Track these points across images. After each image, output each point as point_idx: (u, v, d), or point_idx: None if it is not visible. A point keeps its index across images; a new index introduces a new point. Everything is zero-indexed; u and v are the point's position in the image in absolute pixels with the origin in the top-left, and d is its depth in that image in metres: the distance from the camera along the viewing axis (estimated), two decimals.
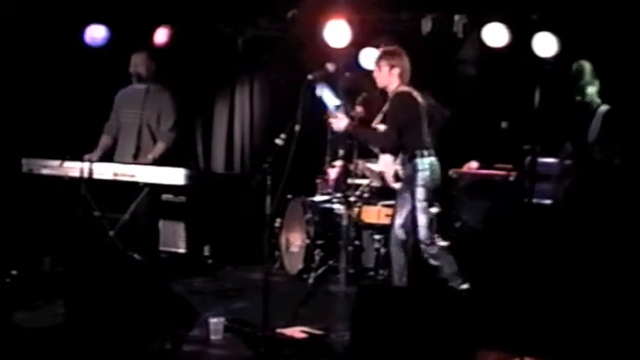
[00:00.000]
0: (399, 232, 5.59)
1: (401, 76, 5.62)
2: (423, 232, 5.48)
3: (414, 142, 5.53)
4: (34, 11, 6.95)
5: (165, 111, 6.60)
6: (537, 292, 5.43)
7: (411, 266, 5.63)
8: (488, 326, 4.91)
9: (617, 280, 5.41)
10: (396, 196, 5.75)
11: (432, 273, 5.54)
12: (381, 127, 5.68)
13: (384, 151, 5.70)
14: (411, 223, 5.58)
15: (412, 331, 4.00)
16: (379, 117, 5.69)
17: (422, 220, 5.48)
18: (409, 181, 5.53)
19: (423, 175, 5.47)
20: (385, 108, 5.66)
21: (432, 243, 5.51)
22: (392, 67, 5.60)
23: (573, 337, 4.96)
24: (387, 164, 5.71)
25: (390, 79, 5.62)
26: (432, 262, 5.50)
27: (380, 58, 5.66)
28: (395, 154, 5.60)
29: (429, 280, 5.72)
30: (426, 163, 5.49)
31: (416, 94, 5.61)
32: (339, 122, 5.69)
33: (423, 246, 5.50)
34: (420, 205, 5.47)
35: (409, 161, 5.52)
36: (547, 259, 5.66)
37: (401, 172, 5.61)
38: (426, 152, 5.51)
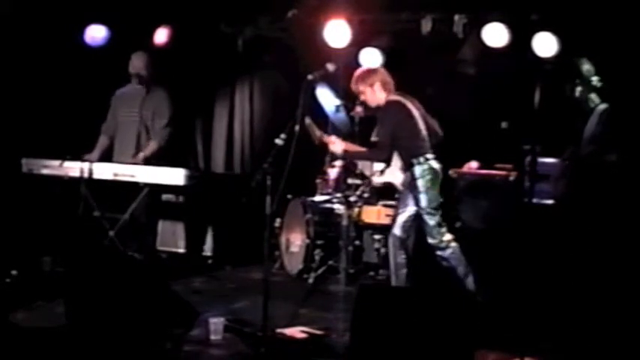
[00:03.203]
0: (397, 230, 5.64)
1: (384, 87, 5.68)
2: (432, 236, 5.52)
3: (408, 149, 5.58)
4: (33, 11, 6.94)
5: (159, 109, 6.60)
6: (538, 292, 5.44)
7: (411, 266, 5.64)
8: (488, 326, 4.92)
9: (616, 279, 5.40)
10: (399, 197, 5.82)
11: (444, 274, 5.53)
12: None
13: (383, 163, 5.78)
14: (413, 226, 5.63)
15: (412, 331, 4.00)
16: (375, 130, 5.76)
17: (430, 224, 5.51)
18: (411, 188, 5.58)
19: (422, 182, 5.51)
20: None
21: (446, 246, 5.52)
22: (371, 85, 5.67)
23: (574, 337, 4.97)
24: (392, 174, 5.79)
25: (376, 96, 5.68)
26: (446, 264, 5.52)
27: (356, 83, 5.71)
28: (389, 164, 5.67)
29: (430, 280, 5.73)
30: (425, 169, 5.52)
31: (405, 101, 5.64)
32: (336, 146, 5.80)
33: (436, 251, 5.53)
34: (425, 211, 5.51)
35: (407, 169, 5.60)
36: (547, 259, 5.66)
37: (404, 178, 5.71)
38: (422, 159, 5.53)
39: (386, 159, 5.67)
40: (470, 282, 5.50)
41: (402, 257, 5.62)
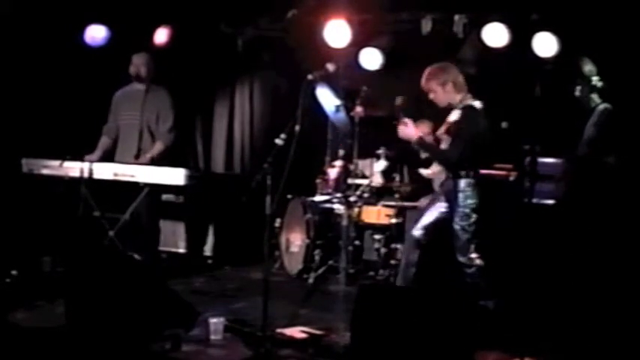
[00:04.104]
0: (418, 232, 5.48)
1: (456, 87, 5.42)
2: (462, 253, 5.34)
3: (465, 159, 5.35)
4: (33, 11, 6.95)
5: (163, 111, 6.60)
6: (538, 292, 5.44)
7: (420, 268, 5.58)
8: (488, 326, 4.94)
9: (616, 279, 5.41)
10: (431, 197, 5.63)
11: (469, 290, 5.44)
12: (444, 137, 5.44)
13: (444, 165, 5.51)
14: (434, 231, 5.49)
15: (412, 331, 4.00)
16: (443, 127, 5.46)
17: (462, 239, 5.33)
18: (449, 197, 5.39)
19: (463, 196, 5.30)
20: (452, 119, 5.42)
21: (472, 264, 5.33)
22: (443, 84, 5.41)
23: (574, 337, 4.97)
24: (436, 173, 5.61)
25: (447, 95, 5.42)
26: (470, 280, 5.34)
27: (428, 81, 5.45)
28: (456, 169, 5.39)
29: (433, 283, 5.72)
30: (470, 184, 5.31)
31: (481, 108, 5.43)
32: (408, 130, 5.45)
33: (465, 268, 5.35)
34: (459, 225, 5.32)
35: (452, 177, 5.37)
36: (547, 259, 5.66)
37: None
38: (471, 172, 5.33)
39: (455, 162, 5.36)
40: (488, 300, 5.42)
41: (414, 256, 5.48)
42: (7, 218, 6.54)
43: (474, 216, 5.34)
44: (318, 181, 7.33)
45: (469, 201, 5.31)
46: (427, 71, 5.50)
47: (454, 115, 5.41)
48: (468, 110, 5.37)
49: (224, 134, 8.76)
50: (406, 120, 5.49)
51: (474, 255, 5.37)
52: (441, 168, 5.51)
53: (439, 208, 5.48)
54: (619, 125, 5.49)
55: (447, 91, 5.42)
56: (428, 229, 5.49)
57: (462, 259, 5.36)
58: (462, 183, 5.32)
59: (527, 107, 5.23)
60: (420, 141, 5.46)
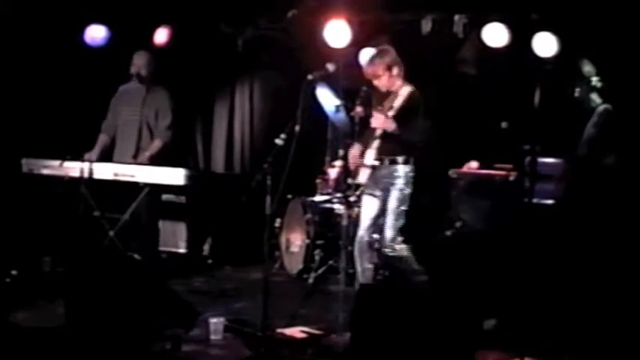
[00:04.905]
0: (364, 233, 5.48)
1: (399, 72, 5.45)
2: (390, 233, 5.37)
3: (407, 145, 5.39)
4: (34, 11, 6.95)
5: (162, 109, 6.61)
6: (538, 292, 5.44)
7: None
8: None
9: (616, 279, 5.41)
10: (363, 196, 5.53)
11: (396, 269, 5.45)
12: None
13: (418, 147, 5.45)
14: (379, 225, 5.50)
15: (412, 331, 4.00)
16: (390, 113, 5.36)
17: (394, 222, 5.35)
18: (384, 184, 5.40)
19: (400, 182, 5.35)
20: (397, 104, 5.37)
21: (397, 242, 5.38)
22: (389, 67, 5.43)
23: (573, 337, 4.97)
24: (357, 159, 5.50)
25: (392, 80, 5.44)
26: (395, 254, 5.36)
27: (374, 65, 5.44)
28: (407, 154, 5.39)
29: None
30: (407, 170, 5.37)
31: None
32: (380, 120, 5.34)
33: (388, 245, 5.37)
34: (395, 209, 5.35)
35: (389, 164, 5.39)
36: (547, 260, 5.66)
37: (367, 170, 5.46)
38: (410, 159, 5.39)
39: (415, 144, 5.37)
40: (420, 277, 5.37)
41: (367, 258, 5.51)
42: (7, 218, 6.54)
43: (407, 203, 5.38)
44: (318, 181, 7.33)
45: (408, 189, 5.37)
46: (372, 54, 5.53)
47: (399, 100, 5.38)
48: (415, 95, 5.39)
49: (224, 134, 8.75)
50: (374, 112, 5.45)
51: (399, 246, 5.37)
52: (373, 157, 5.44)
53: (377, 202, 5.44)
54: (619, 126, 5.49)
55: (393, 75, 5.43)
56: (371, 227, 5.48)
57: (388, 237, 5.34)
58: (401, 169, 5.37)
59: (527, 107, 5.22)
60: (397, 128, 5.36)
